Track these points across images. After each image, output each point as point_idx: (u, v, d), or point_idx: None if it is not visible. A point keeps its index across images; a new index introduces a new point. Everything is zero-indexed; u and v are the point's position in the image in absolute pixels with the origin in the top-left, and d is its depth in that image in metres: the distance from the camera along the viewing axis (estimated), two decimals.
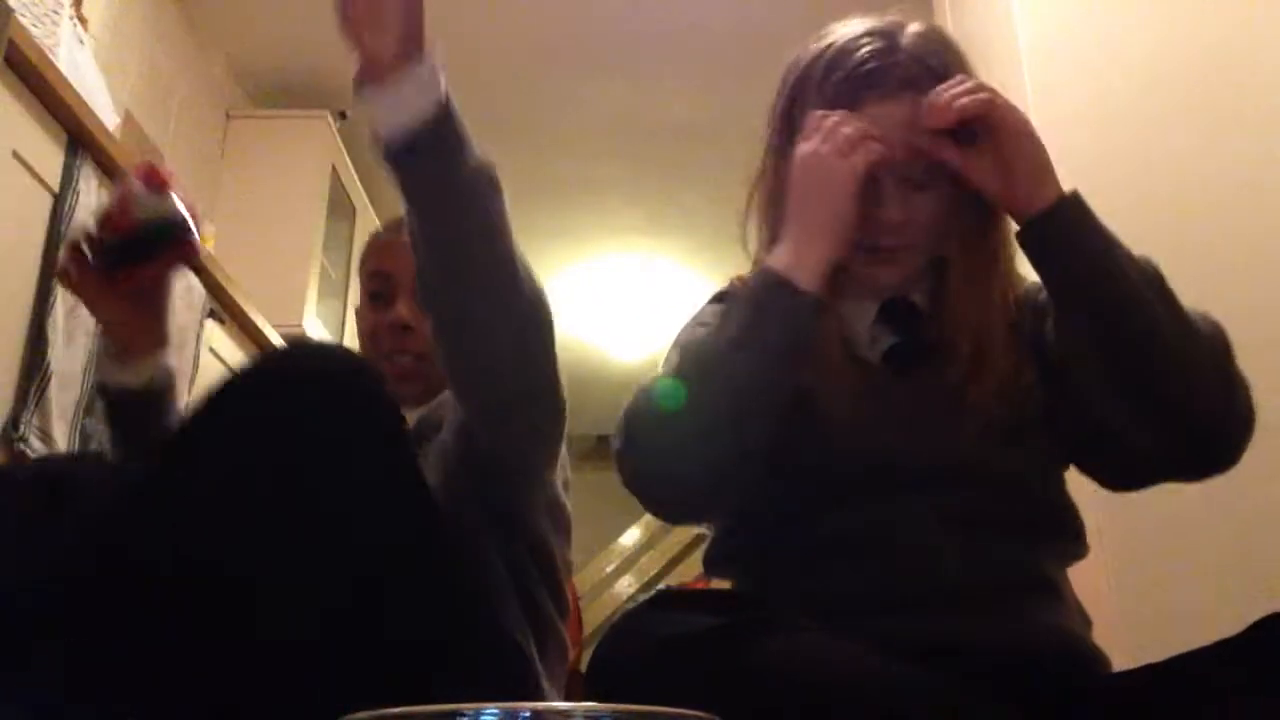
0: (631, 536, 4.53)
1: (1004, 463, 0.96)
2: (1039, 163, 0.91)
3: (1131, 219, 1.78)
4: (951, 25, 2.36)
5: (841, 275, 0.98)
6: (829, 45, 1.00)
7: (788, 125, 1.01)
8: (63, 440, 1.66)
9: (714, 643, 0.75)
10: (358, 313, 1.39)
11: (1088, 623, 0.97)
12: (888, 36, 0.98)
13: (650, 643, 0.78)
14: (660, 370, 0.97)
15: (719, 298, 1.10)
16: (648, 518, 4.36)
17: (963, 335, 0.97)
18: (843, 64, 0.98)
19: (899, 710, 0.73)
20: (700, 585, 2.77)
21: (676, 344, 1.03)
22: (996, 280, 1.00)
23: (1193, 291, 1.75)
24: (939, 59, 0.97)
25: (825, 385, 0.96)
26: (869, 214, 0.96)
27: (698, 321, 1.07)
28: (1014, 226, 0.96)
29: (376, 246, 1.39)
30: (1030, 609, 0.91)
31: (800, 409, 0.94)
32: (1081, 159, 1.85)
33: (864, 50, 0.97)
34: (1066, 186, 0.92)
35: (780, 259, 0.93)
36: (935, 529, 0.91)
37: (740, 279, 1.10)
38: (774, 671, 0.73)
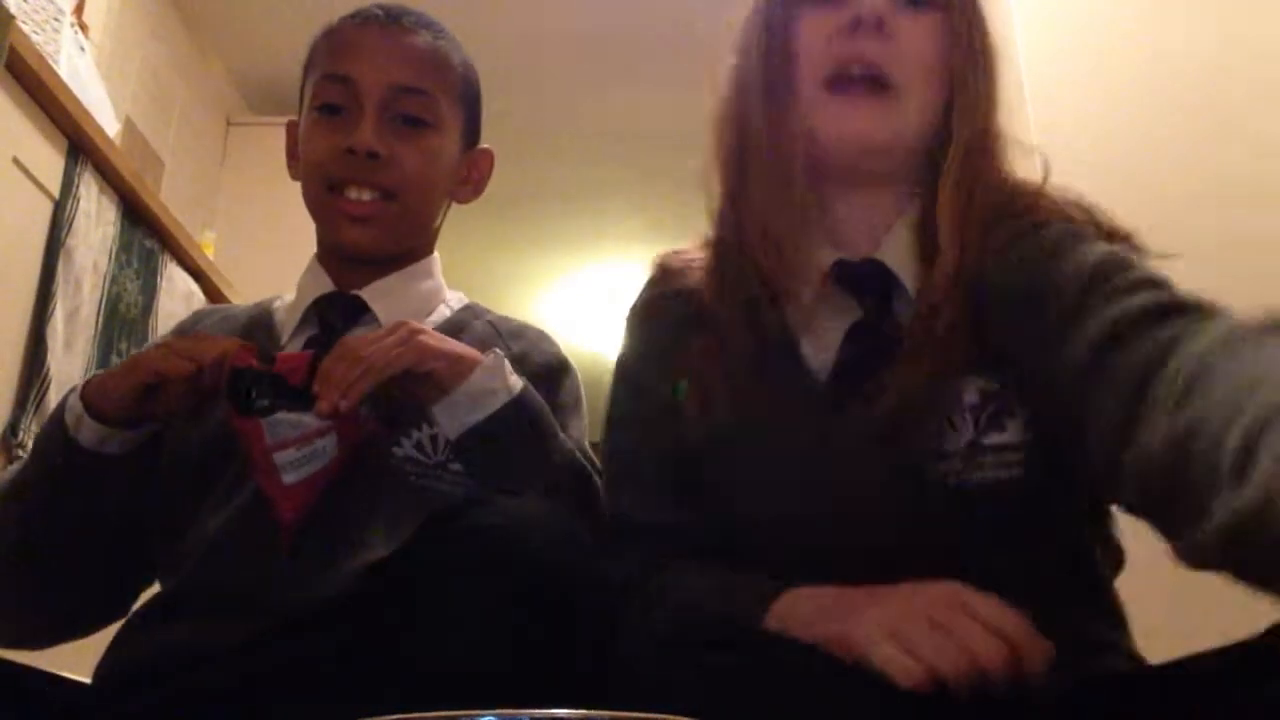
0: None
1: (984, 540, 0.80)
2: None
3: (1131, 223, 1.79)
4: None
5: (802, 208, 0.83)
6: None
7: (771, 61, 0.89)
8: None
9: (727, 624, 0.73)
10: (299, 133, 1.11)
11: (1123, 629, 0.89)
12: None
13: (662, 621, 0.76)
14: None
15: (644, 307, 1.03)
16: None
17: (946, 297, 0.78)
18: None
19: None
20: None
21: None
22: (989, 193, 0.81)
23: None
24: None
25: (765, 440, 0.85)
26: (838, 37, 0.80)
27: (625, 356, 1.03)
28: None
29: (335, 43, 1.07)
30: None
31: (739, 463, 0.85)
32: (1081, 164, 1.84)
33: None
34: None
35: None
36: None
37: (675, 253, 1.03)
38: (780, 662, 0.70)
